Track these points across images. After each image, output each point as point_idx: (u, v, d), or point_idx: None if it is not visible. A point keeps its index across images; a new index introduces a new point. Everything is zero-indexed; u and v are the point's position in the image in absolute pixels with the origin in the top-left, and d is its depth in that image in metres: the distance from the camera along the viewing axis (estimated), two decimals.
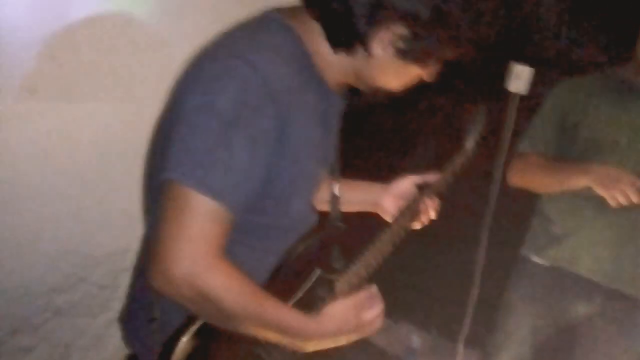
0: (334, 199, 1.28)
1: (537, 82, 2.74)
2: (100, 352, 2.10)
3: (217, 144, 0.93)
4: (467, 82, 2.97)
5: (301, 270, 1.15)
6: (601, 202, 1.83)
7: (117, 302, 2.11)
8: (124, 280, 1.92)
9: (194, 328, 1.00)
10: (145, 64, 1.90)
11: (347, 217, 1.35)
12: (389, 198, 1.41)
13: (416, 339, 3.16)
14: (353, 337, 1.11)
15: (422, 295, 3.32)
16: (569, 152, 1.99)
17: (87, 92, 1.81)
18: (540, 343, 2.07)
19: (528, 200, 2.69)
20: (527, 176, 2.04)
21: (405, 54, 1.05)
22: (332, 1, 1.01)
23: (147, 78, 1.91)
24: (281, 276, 1.12)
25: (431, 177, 1.41)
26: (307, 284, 1.15)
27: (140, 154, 1.21)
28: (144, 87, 1.90)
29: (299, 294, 1.13)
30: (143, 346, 1.11)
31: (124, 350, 1.20)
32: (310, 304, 1.14)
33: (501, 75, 2.77)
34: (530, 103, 2.77)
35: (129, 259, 1.86)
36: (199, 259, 0.92)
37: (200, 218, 0.92)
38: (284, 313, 1.02)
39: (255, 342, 1.06)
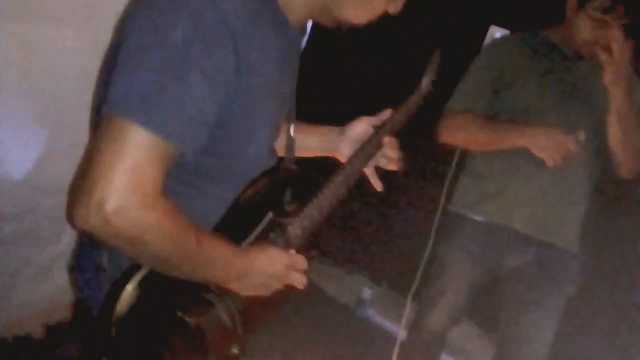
0: (290, 141, 1.25)
1: None
2: (47, 284, 2.07)
3: (168, 77, 0.87)
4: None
5: (254, 213, 1.13)
6: (534, 160, 1.91)
7: (67, 235, 2.06)
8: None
9: (139, 276, 0.97)
10: None
11: (301, 159, 1.33)
12: (345, 141, 1.39)
13: (367, 290, 3.22)
14: (269, 285, 1.11)
15: (377, 248, 3.36)
16: (497, 112, 2.03)
17: (46, 14, 1.70)
18: (474, 293, 2.15)
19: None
20: (460, 133, 2.06)
21: None
22: None
23: (111, 2, 1.80)
24: (233, 219, 1.09)
25: (386, 117, 1.39)
26: (260, 227, 1.13)
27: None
28: (106, 13, 1.80)
29: (251, 238, 1.11)
30: (93, 295, 1.07)
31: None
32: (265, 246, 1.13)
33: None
34: None
35: None
36: (132, 193, 0.86)
37: (139, 153, 0.87)
38: (218, 247, 1.01)
39: (204, 288, 1.05)
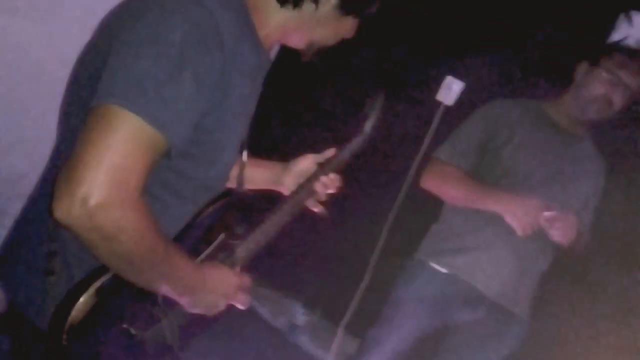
0: (242, 166, 1.28)
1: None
2: None
3: (165, 76, 0.90)
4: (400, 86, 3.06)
5: (208, 232, 1.17)
6: (505, 226, 1.99)
7: (4, 229, 2.00)
8: (14, 208, 1.82)
9: (96, 284, 0.97)
10: None
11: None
12: (289, 176, 1.45)
13: (300, 316, 3.24)
14: (217, 303, 1.14)
15: (315, 275, 3.39)
16: (484, 173, 2.11)
17: (2, 6, 1.68)
18: (419, 340, 2.19)
19: (432, 205, 2.82)
20: (442, 185, 2.13)
21: (347, 6, 1.12)
22: None
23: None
24: (188, 237, 1.12)
25: (330, 156, 1.46)
26: (211, 247, 1.17)
27: (55, 78, 1.13)
28: (73, 6, 1.78)
29: (202, 257, 1.15)
30: (29, 299, 1.04)
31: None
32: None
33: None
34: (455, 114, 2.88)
35: (26, 186, 1.77)
36: (117, 191, 0.87)
37: (128, 142, 0.88)
38: (182, 259, 1.03)
39: (153, 302, 1.05)
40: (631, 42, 2.10)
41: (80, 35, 1.12)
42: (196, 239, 1.14)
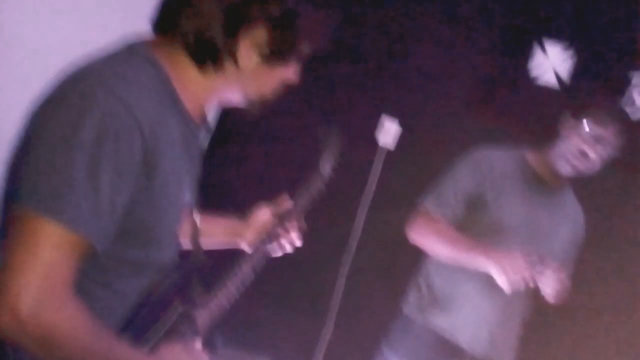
0: (195, 231, 1.28)
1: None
2: None
3: (78, 174, 0.90)
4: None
5: (162, 307, 1.15)
6: (482, 281, 2.02)
7: None
8: None
9: None
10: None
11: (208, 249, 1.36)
12: (249, 230, 1.45)
13: None
14: None
15: (279, 328, 3.36)
16: (469, 227, 2.10)
17: None
18: None
19: (386, 255, 2.85)
20: (427, 240, 2.11)
21: (271, 57, 1.10)
22: (184, 22, 1.04)
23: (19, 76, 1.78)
24: (141, 317, 1.10)
25: (287, 204, 1.46)
26: (169, 321, 1.15)
27: None
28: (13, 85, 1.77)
29: (161, 333, 1.13)
30: None
31: None
32: (173, 341, 1.15)
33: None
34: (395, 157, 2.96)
35: None
36: (47, 294, 0.87)
37: (52, 249, 0.88)
38: (127, 351, 1.02)
39: None
40: (548, 77, 2.21)
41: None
42: (151, 316, 1.12)
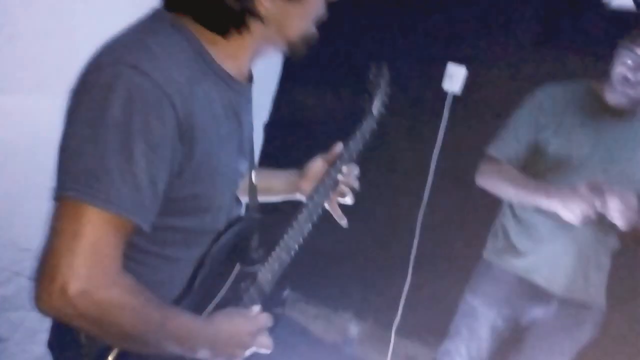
0: (252, 188, 1.27)
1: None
2: (36, 345, 2.09)
3: (112, 153, 0.89)
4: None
5: (221, 268, 1.15)
6: (558, 220, 1.97)
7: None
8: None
9: (113, 354, 0.98)
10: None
11: (263, 205, 1.35)
12: (306, 181, 1.43)
13: (353, 328, 3.25)
14: (234, 354, 1.12)
15: (360, 284, 3.41)
16: (537, 165, 2.10)
17: (21, 83, 1.76)
18: (497, 342, 2.19)
19: (459, 201, 2.81)
20: (495, 184, 2.13)
21: None
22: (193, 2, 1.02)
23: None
24: (201, 279, 1.10)
25: (339, 151, 1.43)
26: (229, 282, 1.15)
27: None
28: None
29: (222, 293, 1.14)
30: None
31: None
32: (235, 300, 1.16)
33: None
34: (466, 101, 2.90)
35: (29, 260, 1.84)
36: (93, 274, 0.88)
37: (95, 231, 0.89)
38: (181, 320, 1.02)
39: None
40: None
41: None
42: (212, 277, 1.12)
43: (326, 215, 1.44)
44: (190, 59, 1.00)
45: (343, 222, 1.46)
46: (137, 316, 0.94)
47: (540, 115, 2.09)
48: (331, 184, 1.38)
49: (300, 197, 1.45)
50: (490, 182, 2.14)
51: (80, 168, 0.90)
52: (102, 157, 0.89)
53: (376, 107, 1.48)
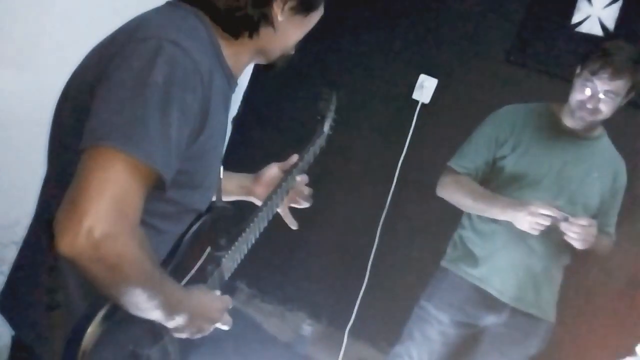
0: (219, 182, 1.34)
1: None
2: None
3: (150, 111, 0.96)
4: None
5: (196, 248, 1.22)
6: (513, 231, 2.06)
7: (2, 276, 2.03)
8: (10, 254, 1.85)
9: (100, 314, 1.00)
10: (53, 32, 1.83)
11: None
12: (259, 186, 1.53)
13: (306, 327, 3.26)
14: (202, 327, 1.18)
15: (317, 284, 3.42)
16: (495, 179, 2.19)
17: None
18: (448, 347, 2.24)
19: (420, 209, 2.86)
20: (454, 195, 2.21)
21: (302, 6, 1.16)
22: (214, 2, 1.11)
23: (52, 47, 1.85)
24: (178, 256, 1.16)
25: (294, 160, 1.53)
26: (199, 262, 1.22)
27: (39, 124, 1.17)
28: (47, 56, 1.84)
29: (192, 272, 1.20)
30: (37, 334, 1.08)
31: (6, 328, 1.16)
32: (201, 281, 1.23)
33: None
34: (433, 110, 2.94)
35: (18, 233, 1.81)
36: (120, 220, 0.92)
37: (126, 179, 0.93)
38: (173, 284, 1.08)
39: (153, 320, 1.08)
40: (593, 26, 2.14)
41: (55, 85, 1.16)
42: (184, 255, 1.19)
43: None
44: (210, 50, 1.10)
45: (294, 226, 1.57)
46: (144, 271, 0.98)
47: (500, 133, 2.18)
48: (286, 190, 1.48)
49: (252, 199, 1.54)
50: (449, 192, 2.22)
51: (120, 121, 0.95)
52: (142, 114, 0.96)
53: (326, 126, 1.61)
